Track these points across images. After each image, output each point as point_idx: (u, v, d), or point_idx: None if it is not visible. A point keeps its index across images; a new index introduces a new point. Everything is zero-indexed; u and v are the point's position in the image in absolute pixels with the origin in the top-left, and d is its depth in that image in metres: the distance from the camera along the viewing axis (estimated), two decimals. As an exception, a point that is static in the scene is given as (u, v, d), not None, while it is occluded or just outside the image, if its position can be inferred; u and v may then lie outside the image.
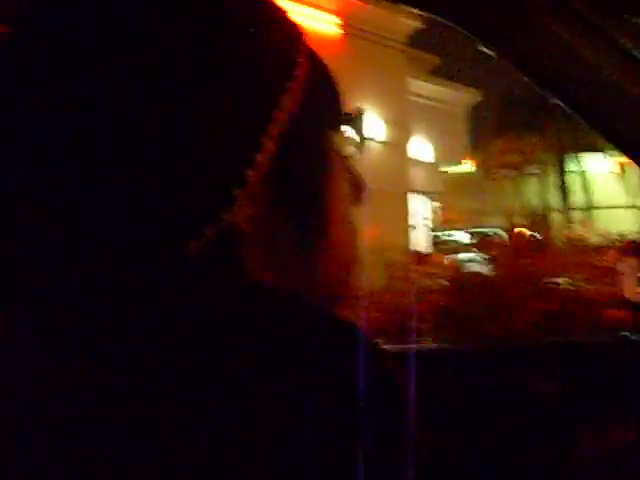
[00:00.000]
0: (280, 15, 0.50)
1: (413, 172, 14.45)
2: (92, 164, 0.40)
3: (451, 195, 18.12)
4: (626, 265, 5.86)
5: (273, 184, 0.46)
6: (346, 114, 0.55)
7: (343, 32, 11.41)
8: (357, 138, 0.56)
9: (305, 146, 0.49)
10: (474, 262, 8.43)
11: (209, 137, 0.42)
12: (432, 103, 14.43)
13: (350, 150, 0.56)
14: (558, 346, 1.37)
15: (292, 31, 0.51)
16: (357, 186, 0.56)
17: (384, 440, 0.40)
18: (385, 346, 0.45)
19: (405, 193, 13.22)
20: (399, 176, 12.83)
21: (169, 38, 0.42)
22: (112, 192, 0.40)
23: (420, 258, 11.78)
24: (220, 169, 0.43)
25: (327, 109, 0.53)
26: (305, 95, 0.48)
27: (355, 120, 0.56)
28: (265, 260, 0.47)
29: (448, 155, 16.63)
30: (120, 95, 0.41)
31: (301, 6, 9.76)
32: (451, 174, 18.29)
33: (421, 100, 13.92)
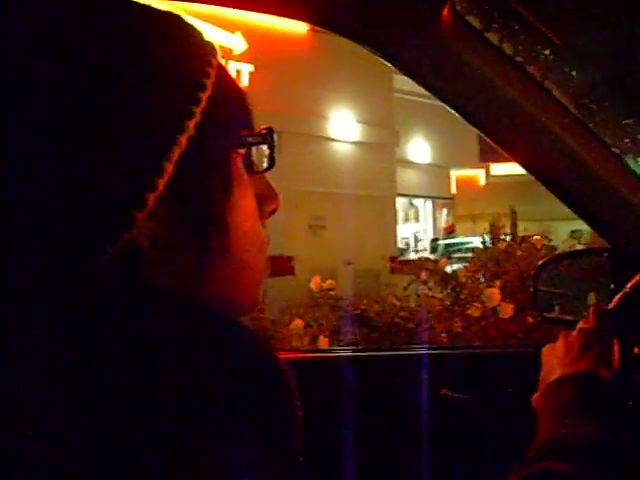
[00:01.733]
0: (191, 32, 0.52)
1: (411, 176, 13.64)
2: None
3: (478, 200, 17.16)
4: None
5: (173, 205, 0.48)
6: (258, 131, 0.56)
7: (314, 30, 10.83)
8: (269, 154, 0.57)
9: (206, 166, 0.50)
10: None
11: (111, 160, 0.45)
12: (428, 101, 13.51)
13: (262, 166, 0.57)
14: (471, 355, 1.46)
15: (200, 48, 0.52)
16: (268, 201, 0.58)
17: (274, 442, 0.42)
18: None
19: (392, 198, 12.48)
20: (386, 180, 12.10)
21: (80, 60, 0.46)
22: (24, 216, 0.44)
23: (394, 265, 11.02)
24: (120, 192, 0.45)
25: (233, 124, 0.53)
26: (211, 108, 0.49)
27: (266, 136, 0.57)
28: (166, 277, 0.49)
29: (460, 158, 15.68)
30: (26, 119, 0.44)
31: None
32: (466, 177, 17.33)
33: (417, 99, 13.05)
